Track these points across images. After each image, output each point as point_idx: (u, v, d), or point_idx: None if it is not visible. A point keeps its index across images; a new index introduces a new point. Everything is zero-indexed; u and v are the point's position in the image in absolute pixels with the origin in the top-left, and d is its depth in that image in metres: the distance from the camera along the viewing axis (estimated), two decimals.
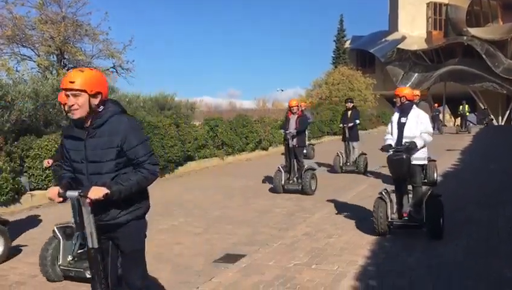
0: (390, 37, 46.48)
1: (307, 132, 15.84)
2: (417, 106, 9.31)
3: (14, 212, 8.49)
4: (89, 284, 3.12)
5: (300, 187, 9.54)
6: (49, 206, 9.08)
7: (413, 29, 46.18)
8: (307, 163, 10.30)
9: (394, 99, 7.27)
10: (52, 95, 11.79)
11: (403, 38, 45.54)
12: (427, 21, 47.05)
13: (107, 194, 2.83)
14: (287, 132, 9.72)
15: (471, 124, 31.86)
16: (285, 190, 9.68)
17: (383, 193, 6.22)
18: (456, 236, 6.14)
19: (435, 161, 9.96)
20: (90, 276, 3.15)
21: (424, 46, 45.37)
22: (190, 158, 14.16)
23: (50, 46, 19.07)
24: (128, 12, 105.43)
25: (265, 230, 6.90)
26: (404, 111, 6.35)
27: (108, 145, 2.94)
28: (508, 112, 44.48)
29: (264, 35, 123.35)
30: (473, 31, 42.79)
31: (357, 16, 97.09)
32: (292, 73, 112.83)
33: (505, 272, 4.83)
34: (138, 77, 45.81)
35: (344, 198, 8.91)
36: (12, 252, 5.82)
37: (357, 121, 12.68)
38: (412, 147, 5.99)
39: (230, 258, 5.59)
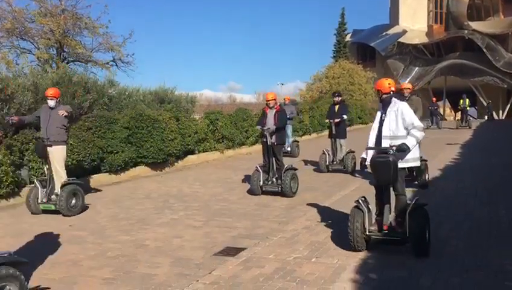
0: (391, 31, 46.37)
1: (290, 128, 15.37)
2: (407, 100, 8.82)
3: (14, 205, 8.51)
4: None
5: (279, 189, 8.79)
6: None
7: (414, 22, 46.05)
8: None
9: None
10: None
11: (404, 32, 45.42)
12: (428, 15, 46.92)
13: None
14: (265, 128, 8.93)
15: (471, 119, 31.78)
16: (263, 192, 8.96)
17: (360, 201, 5.36)
18: (456, 229, 6.14)
19: (426, 160, 9.05)
20: None
21: (425, 39, 45.26)
22: (190, 152, 14.15)
23: (49, 39, 19.03)
24: (128, 6, 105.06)
25: (265, 223, 6.90)
26: (384, 106, 5.56)
27: None
28: (508, 106, 44.44)
29: (265, 29, 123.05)
30: (474, 24, 42.67)
31: (358, 10, 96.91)
32: (292, 67, 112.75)
33: (505, 264, 4.83)
34: (138, 70, 45.77)
35: (338, 195, 8.91)
36: None
37: (345, 117, 11.61)
38: (403, 149, 5.11)
39: (231, 251, 5.58)
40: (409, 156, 5.28)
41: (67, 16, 19.13)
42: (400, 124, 5.34)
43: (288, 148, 14.85)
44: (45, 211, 7.77)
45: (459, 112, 29.46)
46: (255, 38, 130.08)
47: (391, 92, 5.51)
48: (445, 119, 39.98)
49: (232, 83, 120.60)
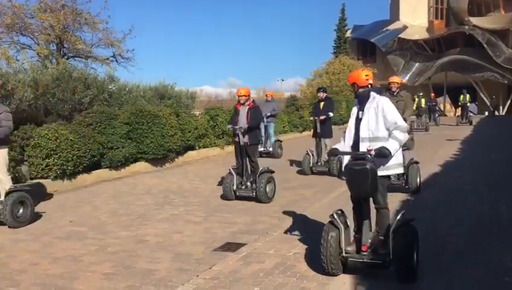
0: (391, 27, 46.31)
1: (272, 126, 14.68)
2: (396, 96, 8.35)
3: None
4: None
5: (253, 194, 8.00)
6: (48, 196, 9.11)
7: (415, 18, 45.97)
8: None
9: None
10: (52, 84, 11.76)
11: (404, 27, 45.37)
12: (429, 10, 46.85)
13: None
14: (236, 127, 8.08)
15: (472, 115, 31.68)
16: (237, 197, 8.16)
17: (336, 215, 4.51)
18: (456, 226, 6.15)
19: (417, 163, 8.33)
20: None
21: (426, 35, 45.20)
22: (190, 148, 14.15)
23: (49, 35, 19.00)
24: (128, 1, 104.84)
25: (265, 219, 6.90)
26: (361, 102, 4.66)
27: None
28: (509, 102, 44.40)
29: (265, 25, 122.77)
30: (475, 20, 42.60)
31: (358, 5, 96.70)
32: (293, 63, 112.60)
33: (505, 260, 4.83)
34: (138, 66, 45.66)
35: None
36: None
37: (331, 114, 10.80)
38: (384, 154, 4.25)
39: (231, 246, 5.59)
40: (391, 162, 4.43)
41: (67, 12, 19.08)
42: (380, 123, 4.45)
43: (270, 149, 14.24)
44: None
45: (459, 108, 29.43)
46: (255, 34, 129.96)
47: (369, 86, 4.65)
48: (446, 115, 39.98)
49: (232, 79, 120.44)
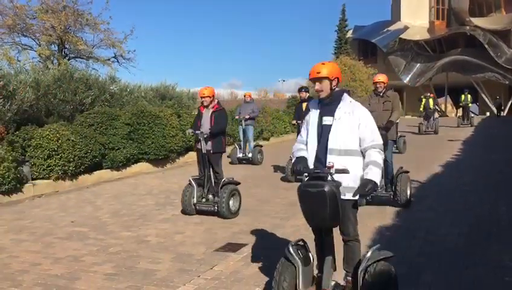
0: (392, 27, 46.28)
1: (251, 130, 13.24)
2: (382, 96, 7.54)
3: (16, 202, 8.54)
4: None
5: (215, 208, 7.05)
6: (50, 196, 9.15)
7: (416, 19, 45.95)
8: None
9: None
10: (54, 85, 11.80)
11: (405, 28, 45.34)
12: (430, 11, 46.82)
13: None
14: (197, 132, 7.12)
15: (473, 116, 31.55)
16: (197, 211, 7.22)
17: (292, 249, 3.51)
18: (456, 226, 6.16)
19: (407, 172, 7.43)
20: None
21: (427, 36, 45.17)
22: (191, 148, 14.17)
23: (51, 36, 19.07)
24: (129, 2, 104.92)
25: (266, 219, 6.92)
26: (328, 106, 3.56)
27: None
28: (510, 103, 44.35)
29: (266, 25, 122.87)
30: (476, 20, 42.56)
31: (359, 6, 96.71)
32: (294, 63, 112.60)
33: (504, 261, 4.84)
34: (139, 67, 45.84)
35: None
36: None
37: None
38: (370, 190, 3.35)
39: (232, 247, 5.61)
40: (354, 182, 3.43)
41: (68, 12, 19.16)
42: (355, 134, 3.48)
43: (250, 155, 13.00)
44: None
45: (460, 109, 29.24)
46: (256, 35, 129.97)
47: (338, 86, 3.60)
48: (447, 116, 39.94)
49: (233, 80, 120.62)
